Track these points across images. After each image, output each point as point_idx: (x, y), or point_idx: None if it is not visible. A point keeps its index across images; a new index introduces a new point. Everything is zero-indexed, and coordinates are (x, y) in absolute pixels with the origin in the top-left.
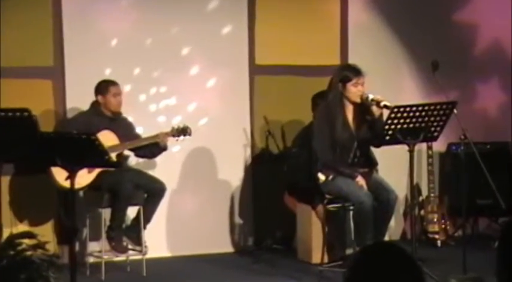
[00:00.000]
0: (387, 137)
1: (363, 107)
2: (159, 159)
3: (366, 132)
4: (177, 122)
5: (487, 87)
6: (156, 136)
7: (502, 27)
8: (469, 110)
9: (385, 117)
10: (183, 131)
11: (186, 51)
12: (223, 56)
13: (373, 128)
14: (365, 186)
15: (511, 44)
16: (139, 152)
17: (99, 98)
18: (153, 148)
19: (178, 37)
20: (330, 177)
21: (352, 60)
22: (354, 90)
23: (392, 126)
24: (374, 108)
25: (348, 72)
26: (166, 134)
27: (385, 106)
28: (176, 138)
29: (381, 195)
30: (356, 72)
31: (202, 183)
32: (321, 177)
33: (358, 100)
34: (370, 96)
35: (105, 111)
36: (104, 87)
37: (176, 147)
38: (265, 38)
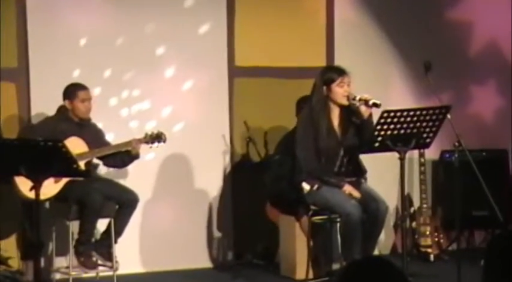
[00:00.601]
0: (376, 144)
1: (349, 111)
2: (131, 167)
3: (353, 137)
4: (150, 127)
5: (483, 90)
6: (128, 143)
7: (499, 25)
8: (464, 114)
9: (375, 117)
10: (157, 138)
11: (161, 51)
12: (200, 56)
13: (362, 132)
14: (356, 194)
15: (510, 43)
16: (109, 160)
17: (67, 103)
18: (124, 156)
19: (152, 36)
20: (315, 186)
21: (338, 61)
22: (339, 91)
23: (382, 132)
24: (362, 109)
25: (331, 73)
26: (139, 141)
27: (375, 104)
28: (150, 145)
29: (370, 206)
30: (340, 71)
31: (178, 193)
32: (306, 187)
33: (344, 102)
34: (358, 96)
35: (72, 116)
36: (71, 91)
37: (150, 154)
38: (245, 37)
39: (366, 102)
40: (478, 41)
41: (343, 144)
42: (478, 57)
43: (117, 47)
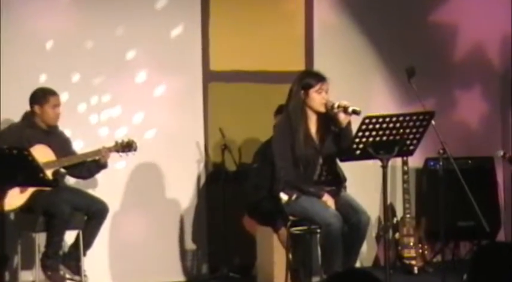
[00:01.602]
0: (357, 152)
1: (327, 118)
2: (101, 177)
3: (331, 145)
4: (121, 135)
5: (468, 96)
6: (97, 152)
7: (484, 28)
8: (449, 121)
9: (355, 125)
10: (128, 146)
11: (132, 54)
12: (173, 60)
13: (341, 140)
14: (333, 206)
15: (496, 47)
16: (74, 170)
17: (36, 108)
18: (91, 166)
19: (122, 39)
20: (294, 196)
21: (318, 65)
22: (317, 98)
23: (364, 139)
24: (341, 116)
25: (309, 78)
26: (109, 149)
27: (354, 112)
28: (120, 153)
29: (351, 217)
30: (318, 77)
31: (149, 204)
32: (283, 197)
33: (322, 109)
34: (336, 103)
35: (39, 123)
36: (41, 96)
37: (120, 163)
38: (221, 40)
39: (344, 109)
40: (463, 45)
41: (322, 152)
42: (463, 62)
43: (85, 50)
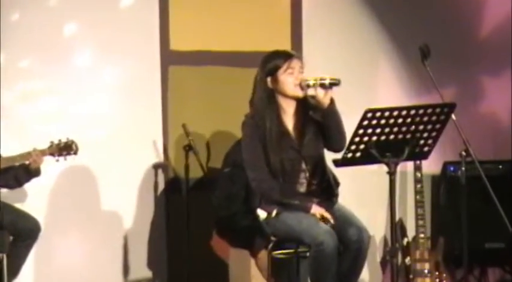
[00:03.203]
0: (357, 154)
1: (305, 107)
2: (30, 187)
3: (315, 141)
4: (57, 133)
5: (497, 83)
6: (26, 155)
7: None
8: (473, 114)
9: (354, 122)
10: (66, 148)
11: (71, 30)
12: (123, 37)
13: (328, 128)
14: (329, 217)
15: None
16: None
17: None
18: (19, 173)
19: (58, 10)
20: (274, 212)
21: (308, 45)
22: (288, 80)
23: (365, 138)
24: (320, 94)
25: (272, 60)
26: (42, 153)
27: (333, 83)
28: (56, 157)
29: (347, 235)
30: (284, 55)
31: (92, 221)
32: (261, 214)
33: (298, 92)
34: (311, 79)
35: None
36: None
37: (56, 169)
38: (184, 12)
39: (321, 84)
40: (490, 19)
41: (304, 152)
42: (490, 40)
43: (11, 24)
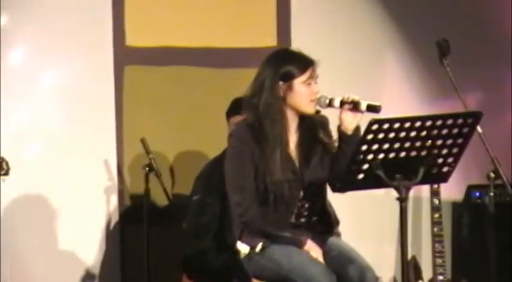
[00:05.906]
0: (360, 175)
1: (311, 124)
2: None
3: (319, 167)
4: None
5: None
6: None
7: None
8: (504, 126)
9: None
10: None
11: (4, 20)
12: (69, 30)
13: (341, 156)
14: (321, 259)
15: None
16: None
17: None
18: None
19: None
20: (259, 246)
21: (297, 40)
22: (306, 92)
23: (370, 156)
24: (347, 118)
25: (292, 63)
26: None
27: (371, 108)
28: None
29: (348, 275)
30: (306, 61)
31: (29, 259)
32: (243, 248)
33: (311, 109)
34: (336, 98)
35: None
36: None
37: None
38: (142, 2)
39: (354, 106)
40: None
41: (305, 178)
42: None
43: None
